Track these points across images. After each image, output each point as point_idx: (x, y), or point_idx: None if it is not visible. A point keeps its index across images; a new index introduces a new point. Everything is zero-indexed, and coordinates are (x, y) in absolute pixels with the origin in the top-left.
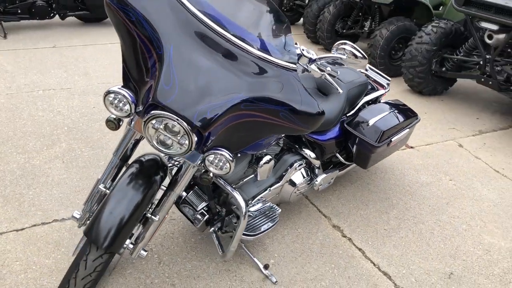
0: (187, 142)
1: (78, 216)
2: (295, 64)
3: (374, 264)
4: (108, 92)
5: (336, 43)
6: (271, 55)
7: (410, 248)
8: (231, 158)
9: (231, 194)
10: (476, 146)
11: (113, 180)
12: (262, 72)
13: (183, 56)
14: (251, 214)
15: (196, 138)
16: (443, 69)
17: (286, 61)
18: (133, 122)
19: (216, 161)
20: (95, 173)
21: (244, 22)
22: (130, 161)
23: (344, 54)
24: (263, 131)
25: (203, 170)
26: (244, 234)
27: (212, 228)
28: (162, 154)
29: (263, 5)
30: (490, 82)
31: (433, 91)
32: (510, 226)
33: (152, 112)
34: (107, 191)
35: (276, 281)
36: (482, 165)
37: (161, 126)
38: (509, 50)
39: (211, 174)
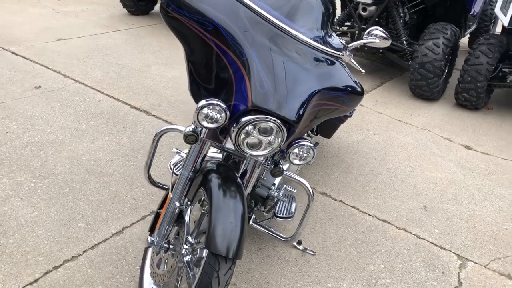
0: (279, 140)
1: (155, 241)
2: (341, 51)
3: (371, 216)
4: (202, 107)
5: (370, 28)
6: (324, 45)
7: (386, 196)
8: (313, 146)
9: (298, 182)
10: (372, 104)
11: (188, 196)
12: (322, 63)
13: (266, 59)
14: (280, 199)
15: (286, 135)
16: None
17: (334, 50)
18: (204, 133)
19: (301, 152)
20: (68, 200)
21: (295, 16)
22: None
23: (375, 38)
24: (323, 117)
25: (273, 165)
26: (282, 218)
27: (251, 222)
28: (219, 156)
29: None
30: (366, 48)
31: None
32: (435, 160)
33: (253, 117)
34: (182, 207)
35: (315, 252)
36: (386, 117)
37: (255, 130)
38: (381, 21)
39: (283, 167)
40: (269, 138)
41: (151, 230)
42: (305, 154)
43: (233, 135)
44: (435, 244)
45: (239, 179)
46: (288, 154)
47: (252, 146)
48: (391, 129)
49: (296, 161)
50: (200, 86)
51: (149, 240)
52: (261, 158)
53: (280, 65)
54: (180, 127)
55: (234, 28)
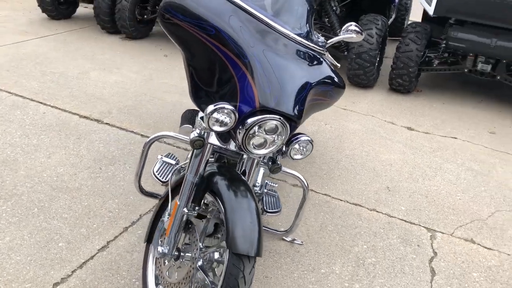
0: (282, 137)
1: (166, 250)
2: (324, 47)
3: (343, 201)
4: (212, 112)
5: (347, 24)
6: (312, 43)
7: (351, 181)
8: (311, 140)
9: (293, 175)
10: None
11: (193, 201)
12: (312, 59)
13: (265, 59)
14: (271, 194)
15: (289, 132)
16: None
17: (319, 46)
18: (211, 137)
19: (301, 147)
20: (40, 221)
21: (282, 14)
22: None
23: (352, 33)
24: (312, 111)
25: (271, 162)
26: (271, 213)
27: None
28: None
29: None
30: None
31: None
32: (385, 143)
33: (260, 117)
34: (191, 213)
35: (302, 242)
36: (332, 107)
37: (261, 130)
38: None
39: (279, 163)
40: (273, 136)
41: (149, 239)
42: (305, 149)
43: (239, 136)
44: (405, 221)
45: (244, 177)
46: (288, 150)
47: (257, 146)
48: (340, 118)
49: (297, 156)
50: (203, 91)
51: (160, 251)
52: (265, 157)
53: (278, 64)
54: (169, 133)
55: (234, 31)
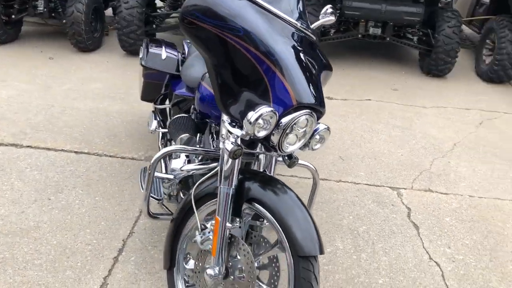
0: (310, 130)
1: (216, 271)
2: (315, 33)
3: (310, 178)
4: (258, 117)
5: (324, 8)
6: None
7: (307, 157)
8: (328, 127)
9: (306, 166)
10: None
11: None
12: (314, 47)
13: (288, 54)
14: None
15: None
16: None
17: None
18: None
19: (321, 137)
20: (11, 275)
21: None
22: None
23: (330, 16)
24: None
25: (287, 157)
26: None
27: None
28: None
29: None
30: None
31: None
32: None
33: (297, 114)
34: (235, 227)
35: None
36: None
37: (296, 127)
38: None
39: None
40: (303, 130)
41: (170, 265)
42: (324, 138)
43: (275, 137)
44: (370, 185)
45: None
46: (310, 142)
47: (289, 143)
48: None
49: (317, 146)
50: (231, 96)
51: (213, 273)
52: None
53: (299, 57)
54: (177, 147)
55: (260, 29)
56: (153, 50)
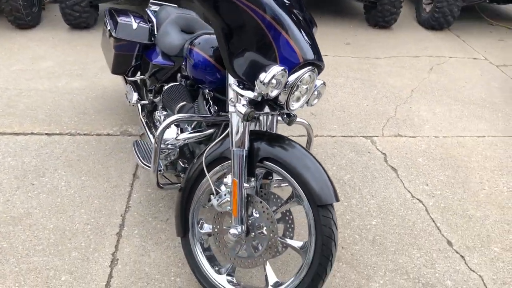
0: (313, 86)
1: (239, 230)
2: None
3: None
4: (272, 78)
5: None
6: None
7: None
8: (324, 82)
9: (302, 123)
10: None
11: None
12: (301, 4)
13: (290, 13)
14: None
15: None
16: None
17: None
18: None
19: (318, 93)
20: (15, 264)
21: None
22: None
23: None
24: None
25: (286, 115)
26: None
27: None
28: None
29: None
30: None
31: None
32: None
33: (304, 70)
34: (251, 186)
35: None
36: None
37: (301, 84)
38: None
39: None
40: (306, 87)
41: (184, 231)
42: (321, 92)
43: (283, 95)
44: (345, 136)
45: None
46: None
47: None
48: None
49: (315, 101)
50: (239, 59)
51: (237, 232)
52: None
53: (296, 15)
54: (183, 115)
55: None
56: (122, 20)
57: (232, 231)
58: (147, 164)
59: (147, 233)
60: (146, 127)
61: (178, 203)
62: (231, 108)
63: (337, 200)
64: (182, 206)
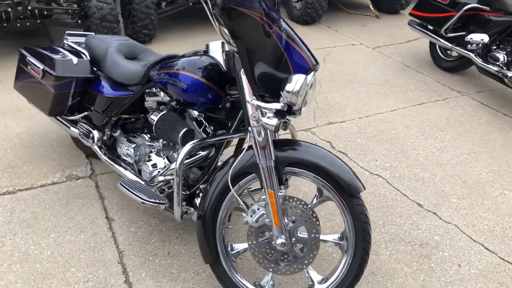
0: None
1: (285, 239)
2: None
3: None
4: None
5: None
6: None
7: None
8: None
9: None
10: None
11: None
12: None
13: (289, 27)
14: None
15: None
16: None
17: None
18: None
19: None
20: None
21: None
22: None
23: None
24: None
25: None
26: None
27: None
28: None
29: None
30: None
31: None
32: None
33: (311, 77)
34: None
35: None
36: None
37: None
38: None
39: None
40: (311, 89)
41: (214, 258)
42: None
43: (300, 99)
44: (287, 133)
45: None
46: None
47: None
48: None
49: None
50: (261, 73)
51: (283, 241)
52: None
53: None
54: (201, 140)
55: (270, 6)
56: (58, 57)
57: (279, 241)
58: (155, 200)
59: (156, 272)
60: (114, 164)
61: (201, 231)
62: (253, 123)
63: (364, 188)
64: (207, 233)
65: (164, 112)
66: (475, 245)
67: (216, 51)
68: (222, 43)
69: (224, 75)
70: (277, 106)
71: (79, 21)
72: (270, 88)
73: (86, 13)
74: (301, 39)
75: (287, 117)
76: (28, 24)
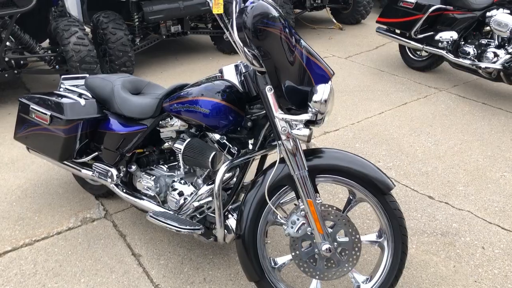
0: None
1: (330, 245)
2: None
3: None
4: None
5: None
6: None
7: None
8: None
9: None
10: None
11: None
12: None
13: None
14: None
15: None
16: None
17: None
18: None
19: None
20: None
21: None
22: None
23: None
24: None
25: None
26: None
27: None
28: None
29: None
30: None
31: None
32: None
33: (330, 86)
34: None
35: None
36: None
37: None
38: None
39: None
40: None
41: (259, 275)
42: None
43: (328, 107)
44: None
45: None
46: None
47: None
48: None
49: None
50: (288, 88)
51: (329, 247)
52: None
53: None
54: (236, 159)
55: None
56: (65, 100)
57: (324, 247)
58: (190, 227)
59: None
60: (136, 199)
61: (243, 250)
62: (283, 136)
63: (394, 185)
64: (248, 251)
65: (189, 139)
66: (491, 226)
67: (231, 74)
68: (236, 66)
69: (242, 96)
70: (306, 117)
71: (57, 66)
72: (297, 100)
73: (63, 58)
74: (317, 52)
75: (310, 126)
76: (6, 76)
